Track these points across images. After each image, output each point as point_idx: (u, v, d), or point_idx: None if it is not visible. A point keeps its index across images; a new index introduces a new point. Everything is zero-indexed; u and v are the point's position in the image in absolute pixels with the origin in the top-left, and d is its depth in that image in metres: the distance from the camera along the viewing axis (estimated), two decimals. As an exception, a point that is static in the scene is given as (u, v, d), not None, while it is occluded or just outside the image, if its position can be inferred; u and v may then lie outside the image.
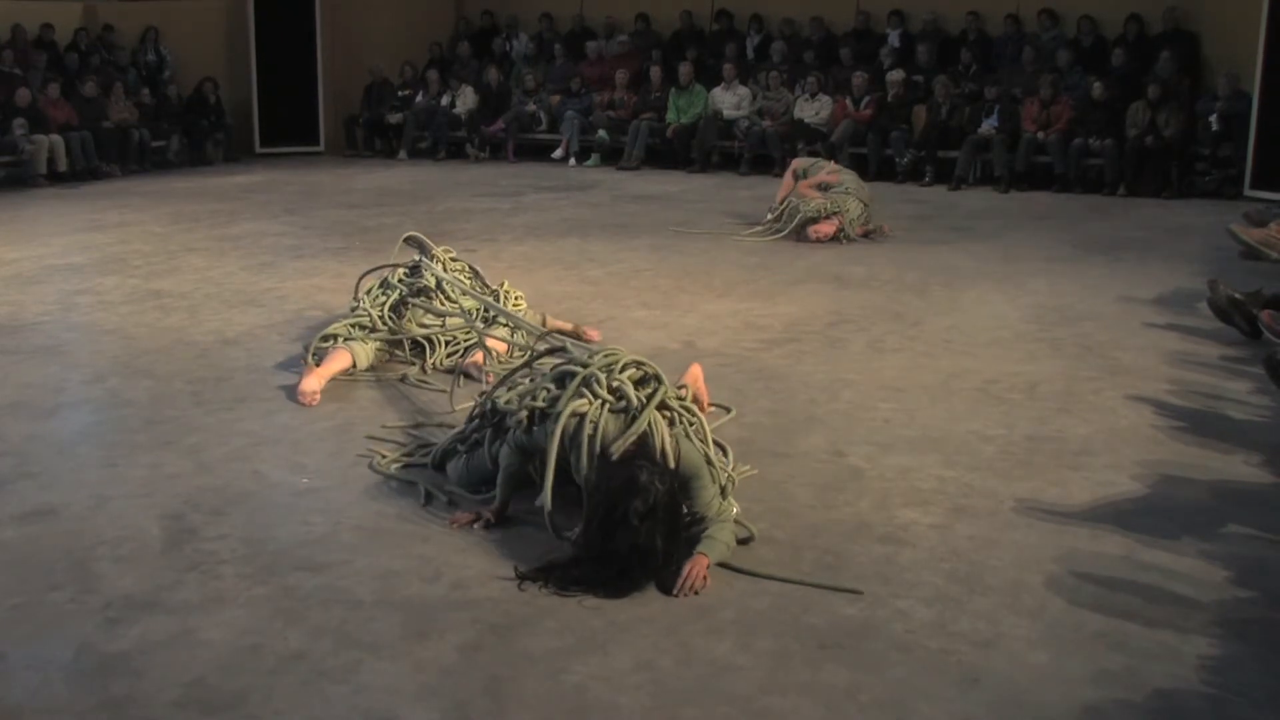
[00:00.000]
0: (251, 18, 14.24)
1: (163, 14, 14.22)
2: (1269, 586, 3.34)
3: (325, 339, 5.34)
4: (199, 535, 3.63)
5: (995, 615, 3.15)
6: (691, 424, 3.66)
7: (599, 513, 3.27)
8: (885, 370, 5.41)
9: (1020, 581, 3.34)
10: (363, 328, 5.38)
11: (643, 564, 3.24)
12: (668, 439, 3.51)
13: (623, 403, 3.56)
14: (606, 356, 3.72)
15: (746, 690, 2.79)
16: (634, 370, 3.68)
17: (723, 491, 3.57)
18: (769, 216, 9.13)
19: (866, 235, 8.72)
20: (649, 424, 3.51)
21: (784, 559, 3.45)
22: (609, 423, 3.53)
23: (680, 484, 3.42)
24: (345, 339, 5.29)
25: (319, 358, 5.21)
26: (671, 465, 3.45)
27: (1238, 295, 6.01)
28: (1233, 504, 3.93)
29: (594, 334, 5.82)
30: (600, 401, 3.56)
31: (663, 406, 3.60)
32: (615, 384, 3.61)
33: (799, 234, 8.62)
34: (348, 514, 3.80)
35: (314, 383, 4.96)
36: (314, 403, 4.87)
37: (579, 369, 3.68)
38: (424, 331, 5.42)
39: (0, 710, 2.71)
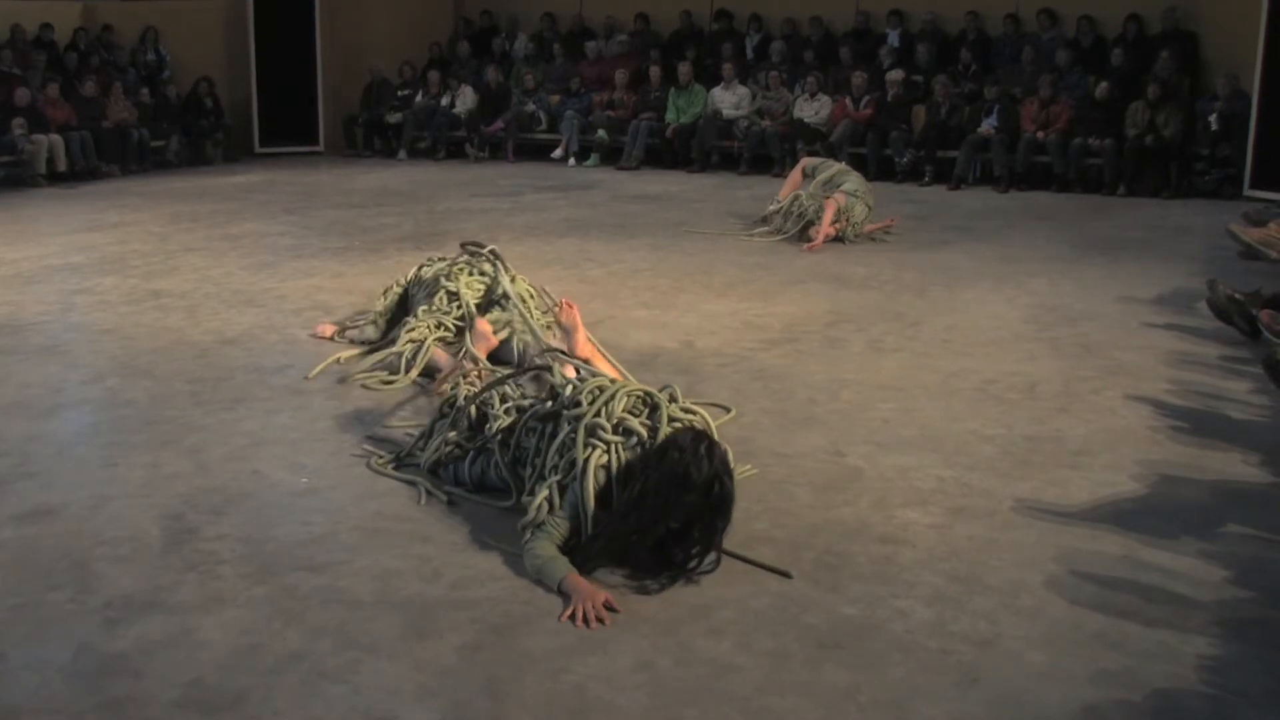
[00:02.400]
0: (251, 17, 14.25)
1: (162, 14, 14.23)
2: (1268, 586, 3.34)
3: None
4: (198, 535, 3.63)
5: (995, 615, 3.15)
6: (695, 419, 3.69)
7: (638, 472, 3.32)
8: (884, 370, 5.41)
9: (1020, 581, 3.34)
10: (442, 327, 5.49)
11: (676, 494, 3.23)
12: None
13: (634, 438, 3.48)
14: (594, 396, 3.61)
15: (746, 690, 2.79)
16: (627, 399, 3.61)
17: None
18: (771, 208, 9.15)
19: (872, 236, 8.71)
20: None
21: (784, 558, 3.45)
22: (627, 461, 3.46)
23: None
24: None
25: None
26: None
27: (1237, 295, 6.01)
28: (1232, 504, 3.93)
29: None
30: (614, 445, 3.46)
31: (670, 421, 3.57)
32: (617, 421, 3.51)
33: (803, 235, 8.62)
34: (347, 514, 3.80)
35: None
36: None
37: (570, 410, 3.60)
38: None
39: (0, 710, 2.71)
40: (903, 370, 5.41)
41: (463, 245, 6.12)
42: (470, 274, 5.82)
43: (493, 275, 5.74)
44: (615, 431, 3.49)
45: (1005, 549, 3.56)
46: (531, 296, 5.86)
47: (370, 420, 4.71)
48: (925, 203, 10.64)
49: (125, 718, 2.69)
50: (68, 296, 6.91)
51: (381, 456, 4.24)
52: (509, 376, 4.21)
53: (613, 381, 3.75)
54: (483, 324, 5.20)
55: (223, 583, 3.32)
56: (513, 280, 5.77)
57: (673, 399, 3.73)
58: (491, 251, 5.92)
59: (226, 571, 3.39)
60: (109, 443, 4.49)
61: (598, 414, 3.53)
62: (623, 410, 3.56)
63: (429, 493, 3.93)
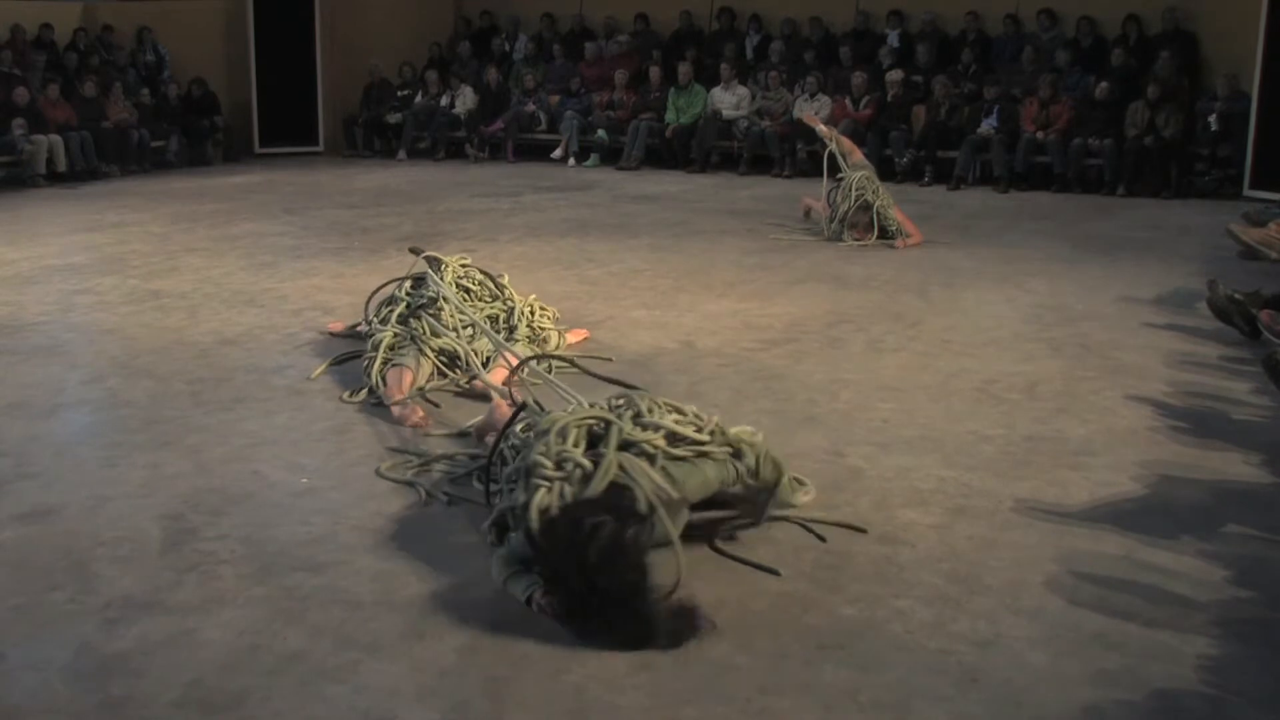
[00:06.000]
0: (251, 18, 14.25)
1: (162, 14, 14.23)
2: (1268, 586, 3.34)
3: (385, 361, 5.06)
4: (198, 535, 3.63)
5: (994, 615, 3.15)
6: (668, 445, 3.32)
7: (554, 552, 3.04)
8: (884, 370, 5.41)
9: (1019, 581, 3.34)
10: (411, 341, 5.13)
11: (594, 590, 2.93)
12: (655, 477, 3.20)
13: (578, 469, 3.23)
14: (548, 430, 3.37)
15: (746, 690, 2.79)
16: (577, 430, 3.35)
17: (738, 455, 3.39)
18: (824, 133, 9.59)
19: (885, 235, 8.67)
20: (621, 470, 3.20)
21: (784, 559, 3.45)
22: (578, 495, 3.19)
23: (699, 504, 3.32)
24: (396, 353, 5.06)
25: (384, 378, 4.94)
26: (675, 495, 3.20)
27: (1237, 295, 6.02)
28: (1232, 504, 3.93)
29: (578, 335, 5.77)
30: (554, 484, 3.22)
31: (628, 445, 3.29)
32: (559, 455, 3.28)
33: (847, 225, 8.67)
34: (347, 514, 3.80)
35: (400, 408, 4.72)
36: (423, 420, 4.65)
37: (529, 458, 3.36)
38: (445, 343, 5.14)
39: (0, 710, 2.71)
40: (903, 370, 5.41)
41: (411, 249, 5.94)
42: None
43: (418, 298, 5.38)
44: (558, 467, 3.25)
45: (1005, 549, 3.55)
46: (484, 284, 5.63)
47: (370, 422, 4.71)
48: (925, 203, 10.64)
49: (125, 718, 2.69)
50: (68, 296, 6.91)
51: (410, 462, 4.21)
52: (504, 432, 3.81)
53: (571, 411, 3.48)
54: (397, 375, 4.93)
55: (223, 583, 3.32)
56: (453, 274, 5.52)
57: (636, 416, 3.39)
58: (428, 257, 5.63)
59: (226, 572, 3.38)
60: (109, 443, 4.49)
61: (543, 451, 3.30)
62: (572, 441, 3.30)
63: (430, 494, 3.93)
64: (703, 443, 3.39)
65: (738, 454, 3.42)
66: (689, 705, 2.73)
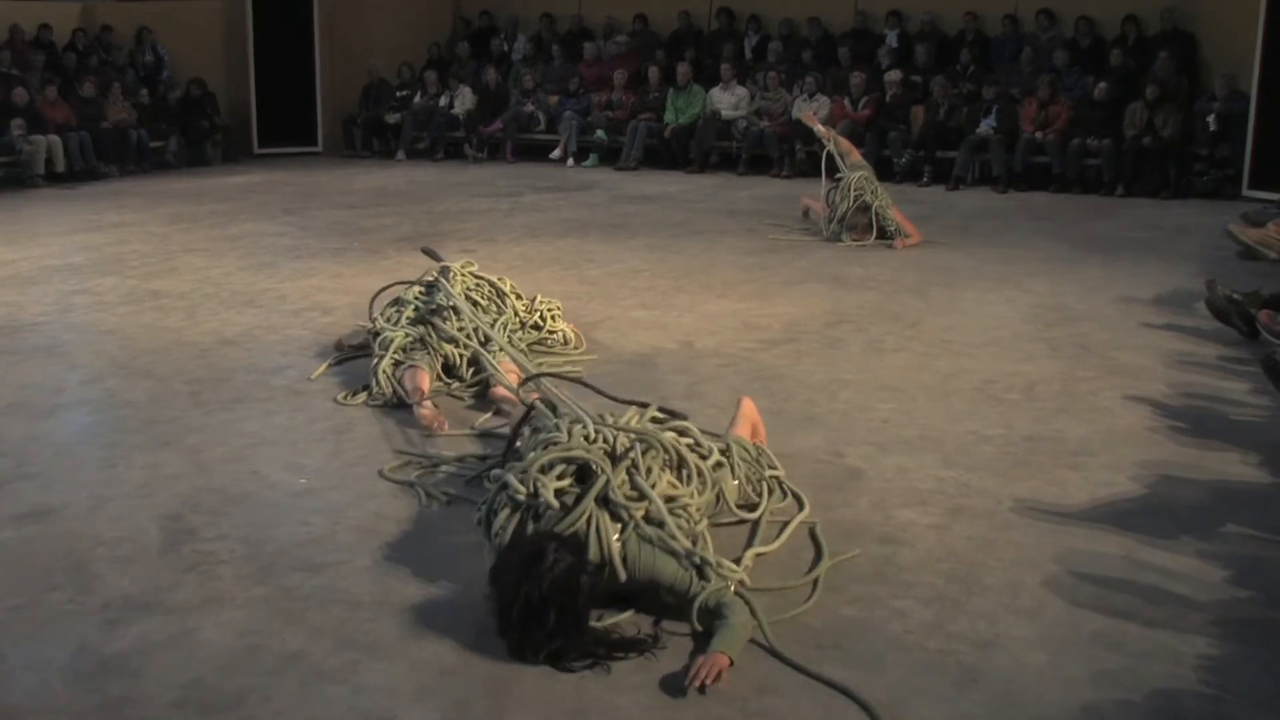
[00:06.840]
0: (250, 18, 14.26)
1: (161, 14, 14.24)
2: (1267, 586, 3.34)
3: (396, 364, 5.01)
4: (197, 536, 3.63)
5: (993, 615, 3.15)
6: (647, 521, 3.14)
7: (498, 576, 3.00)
8: (884, 370, 5.41)
9: (1018, 582, 3.35)
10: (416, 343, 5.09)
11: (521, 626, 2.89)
12: (612, 545, 3.06)
13: (542, 502, 3.14)
14: (536, 456, 3.29)
15: (746, 690, 2.79)
16: (564, 466, 3.23)
17: (700, 572, 3.05)
18: (822, 133, 9.54)
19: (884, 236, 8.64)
20: (588, 522, 3.08)
21: (782, 560, 3.45)
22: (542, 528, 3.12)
23: (639, 588, 3.11)
24: (406, 352, 5.03)
25: (399, 379, 4.90)
26: (622, 577, 3.06)
27: (1236, 295, 6.02)
28: (1231, 504, 3.93)
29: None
30: (515, 509, 3.19)
31: (607, 501, 3.14)
32: (535, 485, 3.18)
33: (846, 225, 8.65)
34: (346, 514, 3.80)
35: (430, 407, 4.70)
36: (445, 425, 4.61)
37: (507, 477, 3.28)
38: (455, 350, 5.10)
39: (0, 710, 2.71)
40: (902, 370, 5.42)
41: (425, 251, 5.95)
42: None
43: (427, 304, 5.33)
44: (530, 494, 3.19)
45: (1004, 549, 3.56)
46: (491, 295, 5.57)
47: (369, 423, 4.71)
48: (924, 203, 10.65)
49: (125, 718, 2.68)
50: (67, 297, 6.91)
51: (420, 463, 4.21)
52: (512, 440, 3.72)
53: (568, 439, 3.36)
54: (413, 375, 4.89)
55: (222, 583, 3.32)
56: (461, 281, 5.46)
57: (633, 467, 3.23)
58: (444, 268, 5.54)
59: (226, 572, 3.38)
60: (108, 443, 4.49)
61: (523, 471, 3.25)
62: (556, 475, 3.21)
63: (429, 494, 3.93)
64: (673, 536, 3.12)
65: (702, 573, 3.07)
66: (689, 705, 2.73)
